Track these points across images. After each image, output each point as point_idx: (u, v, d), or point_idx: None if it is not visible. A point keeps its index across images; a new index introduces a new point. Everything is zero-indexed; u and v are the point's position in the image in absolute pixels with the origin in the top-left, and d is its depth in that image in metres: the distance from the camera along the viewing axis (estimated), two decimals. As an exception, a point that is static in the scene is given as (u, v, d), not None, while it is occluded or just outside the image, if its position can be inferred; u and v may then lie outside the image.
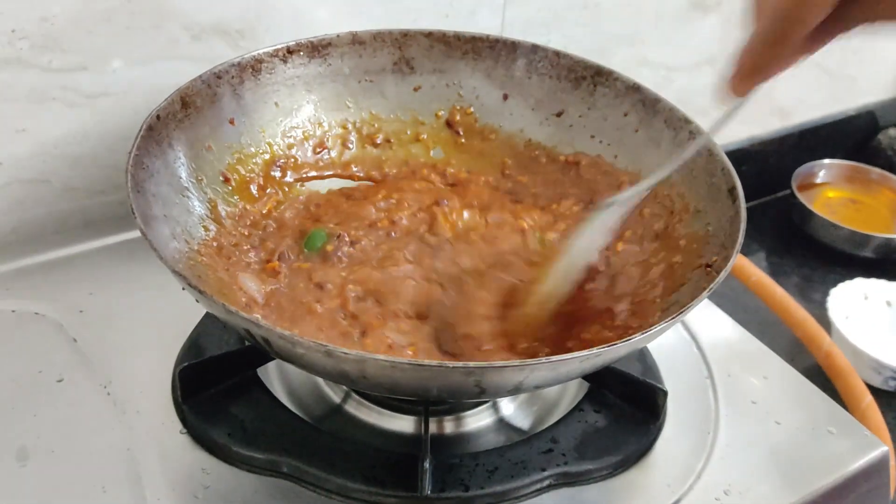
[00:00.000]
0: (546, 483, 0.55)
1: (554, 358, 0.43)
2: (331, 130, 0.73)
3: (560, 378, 0.48)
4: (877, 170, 1.36)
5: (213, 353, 0.59)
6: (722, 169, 0.60)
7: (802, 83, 1.30)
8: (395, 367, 0.42)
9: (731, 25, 1.14)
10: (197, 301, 0.47)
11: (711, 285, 0.49)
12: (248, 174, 0.67)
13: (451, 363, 0.42)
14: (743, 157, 1.27)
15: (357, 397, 0.63)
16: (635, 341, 0.46)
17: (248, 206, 0.66)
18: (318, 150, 0.72)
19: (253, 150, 0.68)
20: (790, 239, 1.30)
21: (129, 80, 0.73)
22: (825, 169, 1.37)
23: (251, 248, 0.63)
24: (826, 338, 0.90)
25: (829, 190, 1.36)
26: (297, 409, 0.60)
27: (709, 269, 0.55)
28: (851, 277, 1.12)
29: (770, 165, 1.33)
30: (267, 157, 0.69)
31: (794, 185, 1.29)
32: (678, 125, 0.65)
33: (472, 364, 0.43)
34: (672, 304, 0.56)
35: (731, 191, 0.58)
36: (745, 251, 0.52)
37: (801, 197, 1.28)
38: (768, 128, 1.32)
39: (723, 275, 0.50)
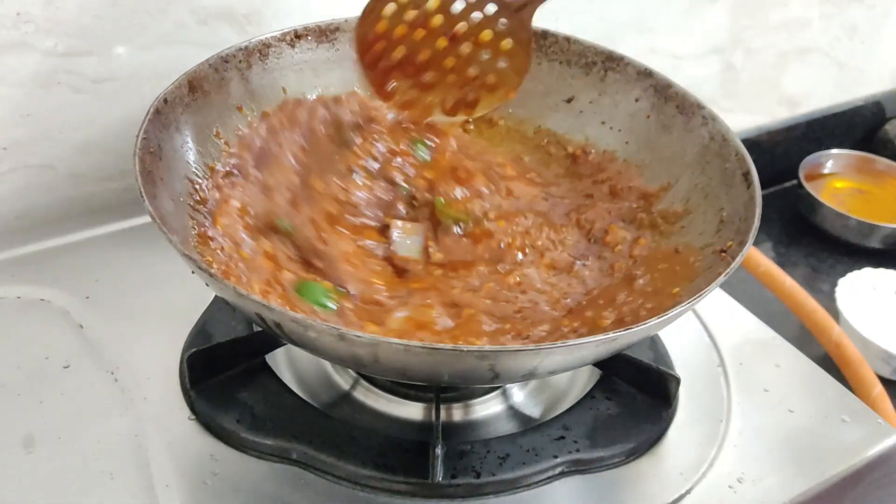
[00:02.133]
0: (558, 470, 0.55)
1: (570, 342, 0.42)
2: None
3: (574, 363, 0.48)
4: (884, 160, 1.36)
5: (220, 340, 0.59)
6: (736, 154, 0.60)
7: (810, 73, 1.30)
8: (409, 351, 0.42)
9: (738, 14, 1.13)
10: (207, 284, 0.47)
11: (727, 270, 0.49)
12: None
13: (465, 346, 0.42)
14: (750, 147, 1.24)
15: (366, 384, 0.63)
16: (650, 326, 0.45)
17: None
18: None
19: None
20: (798, 229, 1.30)
21: (134, 65, 0.72)
22: (833, 159, 1.36)
23: None
24: (835, 327, 0.90)
25: (836, 180, 1.35)
26: (306, 396, 0.59)
27: (724, 254, 0.55)
28: (859, 268, 1.12)
29: (777, 155, 1.33)
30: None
31: (801, 175, 1.29)
32: (690, 110, 0.65)
33: (486, 348, 0.42)
34: (685, 290, 0.55)
35: (746, 175, 0.57)
36: (753, 242, 0.52)
37: (809, 187, 1.27)
38: (776, 118, 1.31)
39: (738, 259, 0.50)
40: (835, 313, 1.01)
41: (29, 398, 0.57)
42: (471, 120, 0.74)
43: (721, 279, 0.48)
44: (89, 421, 0.55)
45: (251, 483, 0.52)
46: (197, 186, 0.59)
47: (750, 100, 1.26)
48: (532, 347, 0.43)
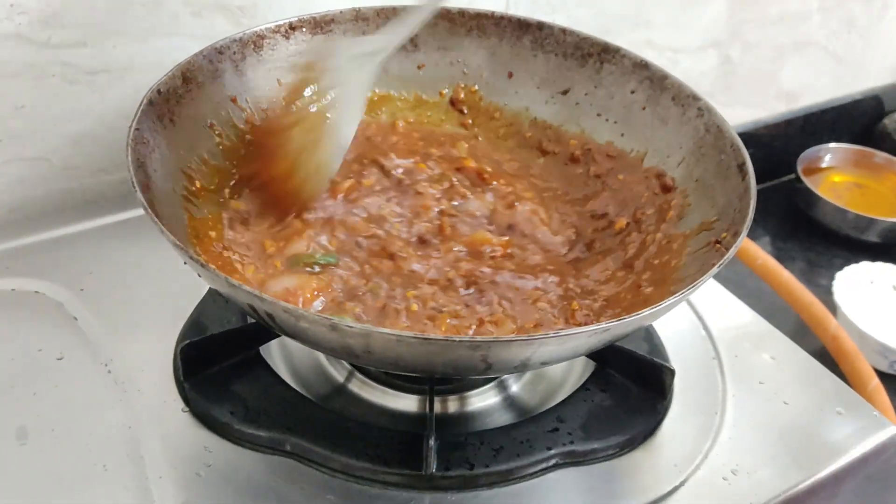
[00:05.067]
0: (552, 462, 0.55)
1: (562, 332, 0.42)
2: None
3: (567, 354, 0.48)
4: (882, 154, 1.36)
5: (214, 331, 0.59)
6: (731, 145, 0.59)
7: (808, 67, 1.30)
8: (401, 341, 0.42)
9: (736, 7, 1.13)
10: (199, 276, 0.47)
11: (721, 261, 0.49)
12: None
13: (456, 336, 0.41)
14: (748, 140, 1.24)
15: (361, 376, 0.62)
16: (644, 316, 0.45)
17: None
18: None
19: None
20: (795, 223, 1.30)
21: (129, 57, 0.72)
22: (831, 153, 1.36)
23: None
24: (832, 320, 0.90)
25: (834, 174, 1.35)
26: (301, 388, 0.59)
27: (718, 245, 0.55)
28: (857, 261, 1.12)
29: (775, 149, 1.32)
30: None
31: (799, 169, 1.29)
32: (686, 102, 0.65)
33: (478, 338, 0.42)
34: (680, 280, 0.55)
35: (741, 167, 0.57)
36: (750, 235, 0.52)
37: (807, 181, 1.27)
38: (774, 112, 1.31)
39: (732, 250, 0.50)
40: (832, 307, 1.01)
41: (22, 390, 0.56)
42: (466, 111, 0.74)
43: (715, 270, 0.48)
44: (83, 413, 0.55)
45: (245, 475, 0.52)
46: (190, 178, 0.59)
47: (748, 94, 1.26)
48: (524, 338, 0.42)
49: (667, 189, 0.64)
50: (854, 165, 1.36)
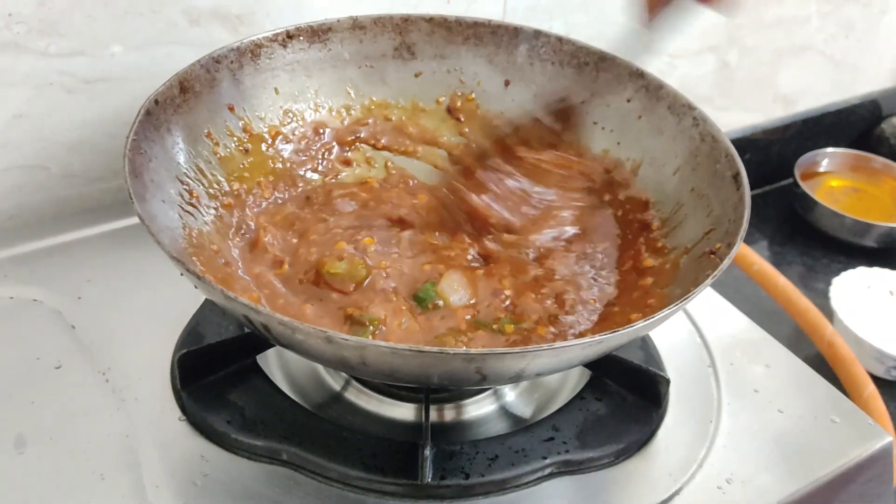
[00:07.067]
0: (547, 471, 0.55)
1: (556, 344, 0.43)
2: (331, 117, 0.72)
3: (562, 365, 0.48)
4: (880, 158, 1.36)
5: (212, 340, 0.59)
6: (726, 155, 0.60)
7: (806, 71, 1.30)
8: (396, 354, 0.42)
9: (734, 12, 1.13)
10: (195, 287, 0.47)
11: (715, 272, 0.49)
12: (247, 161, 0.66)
13: (451, 349, 0.42)
14: (746, 145, 1.26)
15: (357, 385, 0.63)
16: (638, 328, 0.45)
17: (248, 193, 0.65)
18: (318, 135, 0.71)
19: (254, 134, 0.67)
20: (793, 228, 1.30)
21: (127, 66, 0.72)
22: (828, 158, 1.36)
23: None
24: (828, 327, 0.90)
25: (832, 179, 1.35)
26: (297, 397, 0.60)
27: (712, 255, 0.55)
28: (854, 266, 1.12)
29: (773, 154, 1.33)
30: (267, 142, 0.68)
31: (796, 173, 1.29)
32: (681, 111, 0.65)
33: (473, 350, 0.42)
34: (674, 291, 0.56)
35: (736, 177, 0.57)
36: (748, 240, 0.52)
37: (804, 186, 1.27)
38: (771, 116, 1.31)
39: (727, 261, 0.50)
40: (829, 312, 1.01)
41: (20, 398, 0.57)
42: (462, 119, 0.74)
43: (709, 281, 0.48)
44: (80, 421, 0.56)
45: (241, 484, 0.53)
46: (187, 187, 0.59)
47: (745, 98, 1.26)
48: (518, 350, 0.43)
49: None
50: (851, 170, 1.36)
